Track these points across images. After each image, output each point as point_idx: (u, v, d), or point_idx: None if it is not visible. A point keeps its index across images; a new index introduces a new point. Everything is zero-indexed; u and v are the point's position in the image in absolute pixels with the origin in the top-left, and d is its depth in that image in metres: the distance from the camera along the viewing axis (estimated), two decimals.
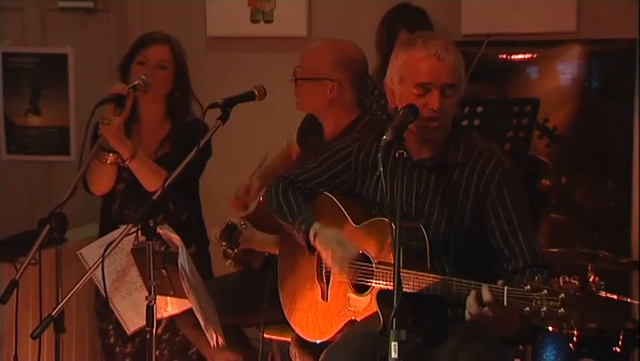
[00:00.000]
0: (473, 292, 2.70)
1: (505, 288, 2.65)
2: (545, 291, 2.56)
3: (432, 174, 3.02)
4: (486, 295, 2.67)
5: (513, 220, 2.93)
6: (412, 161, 3.03)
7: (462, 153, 3.01)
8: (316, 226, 3.14)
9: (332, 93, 3.51)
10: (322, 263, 3.22)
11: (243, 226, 3.58)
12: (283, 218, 3.28)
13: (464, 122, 3.78)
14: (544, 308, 2.54)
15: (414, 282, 2.85)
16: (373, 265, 3.01)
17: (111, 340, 3.93)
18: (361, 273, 3.07)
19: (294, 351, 3.45)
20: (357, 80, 3.58)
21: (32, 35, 5.38)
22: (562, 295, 2.54)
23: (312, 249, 3.18)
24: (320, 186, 3.29)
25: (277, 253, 3.48)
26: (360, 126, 3.54)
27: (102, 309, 3.86)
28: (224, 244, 3.62)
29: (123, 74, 3.81)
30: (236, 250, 3.60)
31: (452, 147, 3.02)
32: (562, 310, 2.52)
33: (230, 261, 3.66)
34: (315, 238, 3.13)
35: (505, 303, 2.66)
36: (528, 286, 2.59)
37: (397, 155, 2.82)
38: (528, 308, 2.57)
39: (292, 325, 3.32)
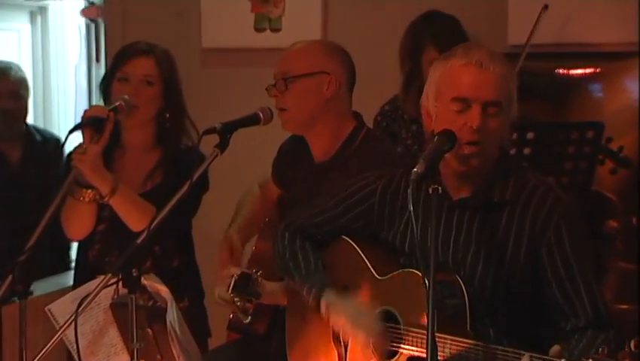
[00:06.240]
0: None
1: None
2: None
3: (475, 215, 2.89)
4: None
5: (573, 270, 2.81)
6: (452, 200, 2.89)
7: (512, 189, 2.87)
8: (329, 295, 3.01)
9: (329, 90, 3.39)
10: None
11: (258, 274, 3.45)
12: (290, 277, 3.22)
13: (512, 151, 3.67)
14: None
15: (451, 348, 2.71)
16: (402, 326, 2.88)
17: None
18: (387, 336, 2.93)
19: None
20: (352, 78, 3.47)
21: None
22: None
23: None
24: (336, 231, 3.18)
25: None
26: (359, 139, 3.43)
27: None
28: (237, 300, 3.46)
29: (105, 93, 3.70)
30: (254, 302, 3.47)
31: (500, 181, 2.88)
32: None
33: (249, 318, 3.53)
34: (327, 309, 3.01)
35: None
36: (591, 360, 2.44)
37: (430, 190, 2.64)
38: None
39: None
